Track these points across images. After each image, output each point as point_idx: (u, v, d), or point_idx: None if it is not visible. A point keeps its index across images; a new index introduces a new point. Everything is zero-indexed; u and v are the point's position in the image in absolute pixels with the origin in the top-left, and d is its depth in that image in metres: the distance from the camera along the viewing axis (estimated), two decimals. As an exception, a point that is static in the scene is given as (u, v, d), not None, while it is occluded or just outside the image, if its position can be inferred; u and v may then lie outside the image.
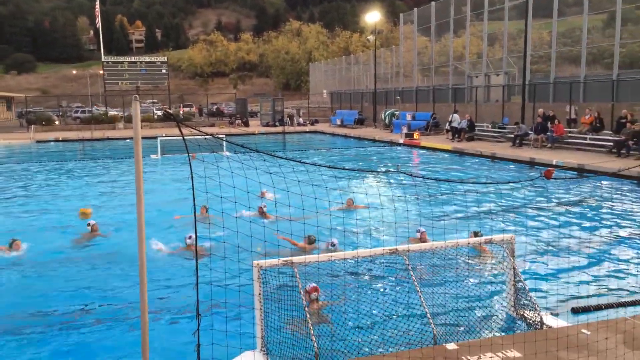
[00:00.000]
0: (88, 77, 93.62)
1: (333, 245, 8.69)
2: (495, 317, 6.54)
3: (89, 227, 10.97)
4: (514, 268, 6.46)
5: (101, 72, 51.39)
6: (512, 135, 24.72)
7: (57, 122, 47.24)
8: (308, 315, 5.55)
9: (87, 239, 10.75)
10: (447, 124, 29.53)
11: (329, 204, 10.64)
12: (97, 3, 50.27)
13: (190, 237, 9.44)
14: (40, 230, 11.63)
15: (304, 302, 5.79)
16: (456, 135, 27.90)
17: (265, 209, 11.61)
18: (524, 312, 6.35)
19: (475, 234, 8.73)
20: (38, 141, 35.96)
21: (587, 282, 7.88)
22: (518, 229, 10.87)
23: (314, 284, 6.36)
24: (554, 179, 14.47)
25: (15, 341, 6.43)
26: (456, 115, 29.00)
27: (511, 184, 12.69)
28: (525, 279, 6.60)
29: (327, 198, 8.07)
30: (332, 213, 11.02)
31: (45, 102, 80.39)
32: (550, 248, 9.62)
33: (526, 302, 6.32)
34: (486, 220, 11.35)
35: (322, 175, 6.09)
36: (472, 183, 8.25)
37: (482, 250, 8.54)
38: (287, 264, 5.72)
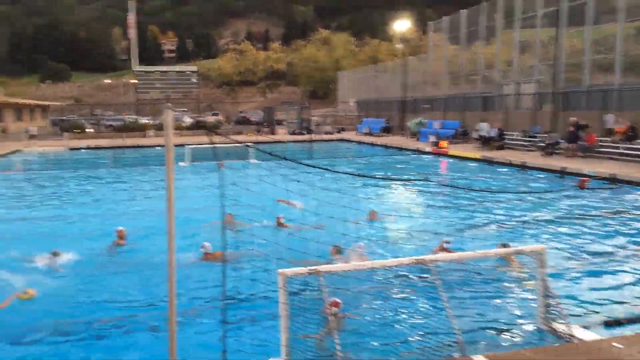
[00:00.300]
0: (121, 86, 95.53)
1: (360, 248, 8.65)
2: (524, 329, 6.42)
3: (117, 234, 11.09)
4: (544, 279, 6.34)
5: (133, 81, 52.38)
6: (543, 144, 24.32)
7: (90, 130, 48.32)
8: (332, 325, 5.53)
9: (115, 246, 10.88)
10: (475, 132, 29.30)
11: (354, 213, 10.62)
12: (131, 14, 51.35)
13: (203, 246, 9.55)
14: (71, 237, 11.85)
15: (327, 314, 5.77)
16: (485, 144, 27.61)
17: (283, 220, 11.52)
18: (554, 325, 6.21)
19: (504, 246, 8.59)
20: (71, 148, 36.77)
21: (620, 295, 7.68)
22: (549, 239, 10.66)
23: (335, 299, 6.24)
24: (588, 189, 14.18)
25: (48, 346, 6.56)
26: (484, 124, 28.71)
27: (543, 194, 12.48)
28: (555, 291, 6.46)
29: (354, 207, 8.06)
30: (355, 223, 11.01)
31: (79, 111, 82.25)
32: (583, 259, 9.41)
33: (556, 314, 6.18)
34: (517, 231, 11.17)
35: (353, 184, 6.07)
36: (504, 192, 8.14)
37: (511, 260, 8.41)
38: (312, 272, 5.71)
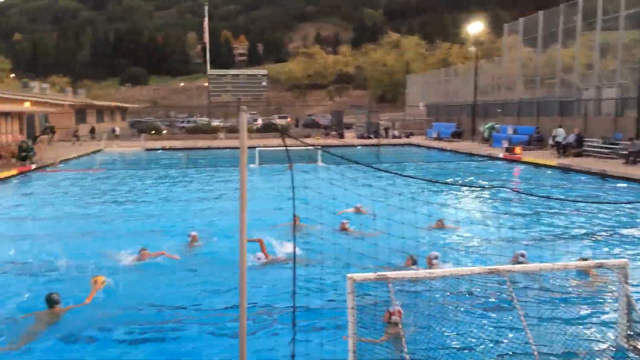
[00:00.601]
0: (194, 89, 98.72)
1: (436, 257, 8.45)
2: (604, 347, 6.06)
3: (190, 238, 11.22)
4: (628, 296, 5.96)
5: (206, 84, 54.01)
6: (625, 152, 23.03)
7: (164, 132, 50.23)
8: (402, 332, 5.42)
9: (190, 247, 11.17)
10: (551, 138, 28.16)
11: (423, 221, 10.42)
12: (206, 19, 53.03)
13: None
14: (146, 236, 12.30)
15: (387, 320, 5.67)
16: (562, 151, 26.51)
17: (347, 225, 11.31)
18: (637, 344, 5.83)
19: (584, 260, 8.15)
20: (147, 149, 38.33)
21: None
22: (634, 253, 10.05)
23: (398, 307, 6.09)
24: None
25: (118, 346, 6.81)
26: (561, 130, 27.53)
27: (625, 204, 11.80)
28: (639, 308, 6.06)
29: (423, 213, 7.90)
30: (428, 229, 10.78)
31: (155, 113, 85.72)
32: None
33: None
34: (598, 243, 10.61)
35: (423, 191, 5.95)
36: (586, 202, 7.71)
37: (592, 274, 7.98)
38: (381, 278, 5.63)
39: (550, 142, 28.33)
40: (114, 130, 51.88)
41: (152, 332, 7.06)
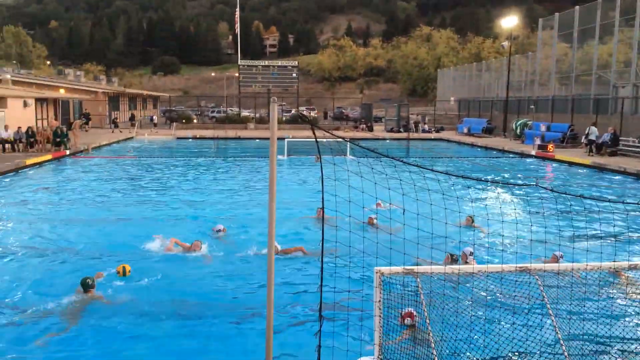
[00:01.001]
0: (225, 79, 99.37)
1: (471, 254, 8.37)
2: (636, 348, 5.92)
3: (220, 234, 11.12)
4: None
5: (237, 74, 54.27)
6: (663, 152, 22.40)
7: (195, 121, 50.75)
8: (430, 327, 5.38)
9: (217, 237, 11.28)
10: (584, 137, 27.59)
11: (453, 217, 10.30)
12: (237, 10, 53.23)
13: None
14: (176, 225, 12.46)
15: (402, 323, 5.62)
16: (594, 150, 25.95)
17: (375, 220, 11.26)
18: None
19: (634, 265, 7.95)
20: (178, 138, 38.79)
21: None
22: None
23: (410, 309, 6.02)
24: None
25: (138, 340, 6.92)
26: (594, 128, 26.92)
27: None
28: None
29: (453, 209, 7.79)
30: (458, 226, 10.66)
31: (186, 102, 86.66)
32: None
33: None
34: (633, 244, 10.35)
35: (452, 185, 5.87)
36: (622, 203, 7.54)
37: (622, 276, 7.81)
38: (409, 272, 5.59)
39: (583, 140, 27.72)
40: (152, 119, 52.60)
41: (172, 323, 7.14)
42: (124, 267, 8.55)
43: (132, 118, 49.96)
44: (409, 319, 6.04)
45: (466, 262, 8.20)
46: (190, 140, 38.02)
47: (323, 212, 5.27)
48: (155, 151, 30.40)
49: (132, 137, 38.06)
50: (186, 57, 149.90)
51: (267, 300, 4.68)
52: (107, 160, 25.44)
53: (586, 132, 27.40)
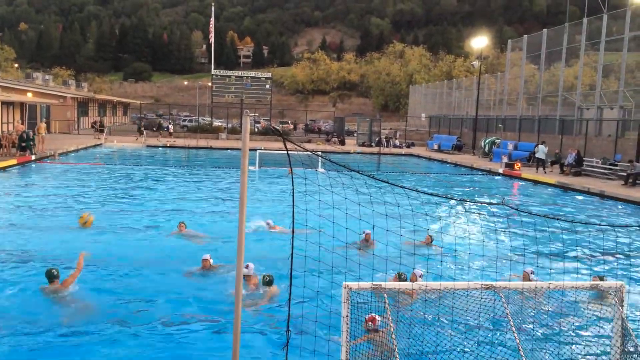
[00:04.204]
0: (197, 88, 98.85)
1: (421, 276, 8.43)
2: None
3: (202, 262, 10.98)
4: (623, 319, 5.96)
5: (210, 84, 54.06)
6: (625, 174, 23.10)
7: (171, 129, 50.17)
8: (395, 343, 5.41)
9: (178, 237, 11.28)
10: (532, 154, 28.71)
11: (417, 235, 10.40)
12: (212, 19, 53.13)
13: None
14: (137, 231, 12.30)
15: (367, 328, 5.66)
16: (541, 167, 27.52)
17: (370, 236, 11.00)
18: (631, 368, 5.82)
19: (600, 279, 8.14)
20: (148, 146, 38.32)
21: None
22: (630, 276, 10.06)
23: (373, 314, 6.10)
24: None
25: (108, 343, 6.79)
26: (542, 146, 27.95)
27: (627, 227, 11.81)
28: (635, 332, 6.06)
29: (420, 227, 7.89)
30: (414, 244, 10.75)
31: (157, 110, 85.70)
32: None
33: (635, 357, 5.79)
34: (595, 264, 10.62)
35: (422, 203, 5.95)
36: (584, 223, 7.72)
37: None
38: (377, 288, 5.63)
39: (529, 157, 28.98)
40: (167, 128, 50.04)
41: (138, 329, 7.03)
42: (88, 216, 8.72)
43: (98, 124, 48.05)
44: (370, 323, 6.12)
45: (420, 277, 8.29)
46: (160, 148, 37.60)
47: (293, 225, 5.28)
48: (123, 159, 29.97)
49: (100, 144, 37.44)
50: (158, 64, 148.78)
51: (235, 311, 4.65)
52: (72, 167, 24.96)
53: (534, 149, 28.39)
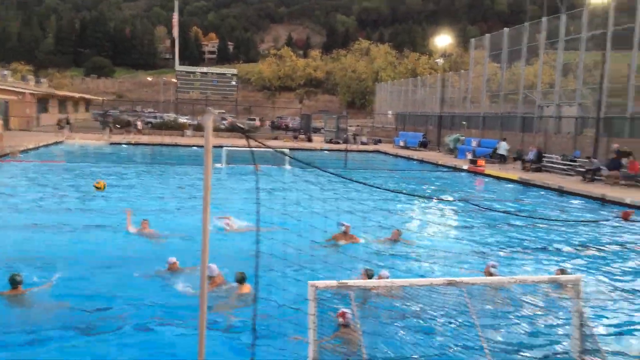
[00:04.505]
0: (162, 85, 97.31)
1: (387, 277, 8.51)
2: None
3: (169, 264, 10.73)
4: (581, 311, 6.16)
5: (174, 80, 53.33)
6: (583, 170, 23.79)
7: (139, 126, 49.26)
8: (362, 339, 5.47)
9: (139, 236, 11.14)
10: (494, 150, 29.47)
11: (384, 231, 10.52)
12: (175, 14, 52.39)
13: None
14: (98, 229, 12.09)
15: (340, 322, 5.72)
16: (502, 163, 28.39)
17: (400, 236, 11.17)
18: (588, 359, 6.02)
19: (562, 272, 8.37)
20: (112, 143, 37.59)
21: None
22: (587, 269, 10.38)
23: (344, 309, 6.18)
24: (632, 221, 13.76)
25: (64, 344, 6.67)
26: (503, 143, 28.69)
27: (583, 222, 12.18)
28: (592, 324, 6.28)
29: (385, 224, 8.00)
30: (382, 241, 10.87)
31: (120, 106, 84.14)
32: (620, 293, 9.13)
33: (592, 348, 5.99)
34: (553, 258, 10.92)
35: (385, 199, 6.02)
36: (543, 219, 7.96)
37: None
38: (343, 286, 5.68)
39: (491, 154, 29.71)
40: (135, 126, 48.66)
41: (102, 330, 6.92)
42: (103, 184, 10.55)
43: (64, 122, 46.78)
44: (341, 318, 6.16)
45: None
46: (124, 146, 36.92)
47: (258, 222, 5.27)
48: (86, 157, 29.32)
49: (61, 141, 36.55)
50: (121, 59, 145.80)
51: (200, 312, 4.62)
52: (33, 165, 24.31)
53: (496, 146, 29.15)
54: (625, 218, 15.45)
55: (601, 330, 6.92)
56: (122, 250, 10.64)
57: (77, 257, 9.89)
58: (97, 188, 11.15)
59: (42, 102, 54.89)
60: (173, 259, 9.23)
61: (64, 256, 9.82)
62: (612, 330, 7.18)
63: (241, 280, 8.07)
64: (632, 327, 7.47)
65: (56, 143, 35.26)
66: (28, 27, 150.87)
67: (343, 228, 10.80)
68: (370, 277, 8.50)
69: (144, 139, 39.90)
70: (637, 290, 9.30)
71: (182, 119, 51.92)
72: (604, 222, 13.87)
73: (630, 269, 10.74)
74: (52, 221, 12.93)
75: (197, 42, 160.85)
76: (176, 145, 37.90)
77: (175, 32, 51.30)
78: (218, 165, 24.79)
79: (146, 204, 15.96)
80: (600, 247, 12.43)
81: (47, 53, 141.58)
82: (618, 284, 9.62)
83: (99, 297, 8.02)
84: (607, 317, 7.87)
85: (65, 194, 17.12)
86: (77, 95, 72.87)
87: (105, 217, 13.58)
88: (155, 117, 56.44)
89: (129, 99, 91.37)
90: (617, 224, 14.70)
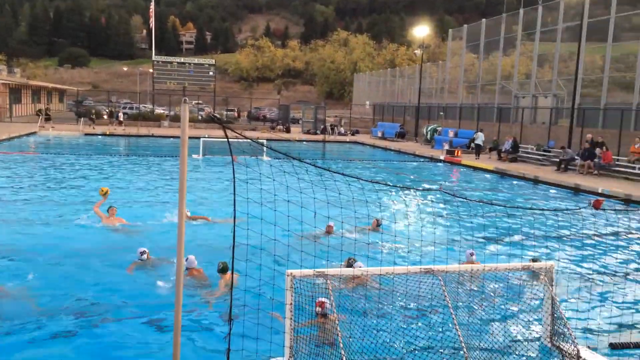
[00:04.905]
0: (138, 75, 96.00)
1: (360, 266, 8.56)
2: (530, 347, 6.36)
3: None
4: (553, 297, 6.29)
5: (151, 70, 52.63)
6: (557, 159, 24.16)
7: (105, 117, 48.60)
8: (338, 329, 5.51)
9: (111, 230, 11.09)
10: (471, 141, 29.81)
11: (362, 221, 10.56)
12: (152, 3, 51.62)
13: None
14: (69, 222, 11.94)
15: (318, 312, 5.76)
16: (479, 154, 28.71)
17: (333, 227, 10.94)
18: (560, 344, 6.16)
19: (534, 261, 8.51)
20: (86, 134, 37.03)
21: (629, 317, 7.60)
22: (559, 257, 10.58)
23: (321, 299, 6.20)
24: (603, 209, 14.03)
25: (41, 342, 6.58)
26: (480, 133, 29.10)
27: (556, 211, 12.40)
28: (564, 310, 6.41)
29: (363, 213, 8.02)
30: (362, 230, 10.93)
31: (96, 97, 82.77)
32: (592, 279, 9.33)
33: (563, 333, 6.13)
34: (527, 246, 11.09)
35: (362, 189, 6.06)
36: (516, 207, 8.10)
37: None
38: (320, 275, 5.70)
39: (470, 144, 30.01)
40: (117, 116, 47.71)
41: (72, 327, 6.83)
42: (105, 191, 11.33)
43: (44, 112, 45.57)
44: (319, 308, 6.18)
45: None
46: (99, 137, 36.40)
47: (235, 213, 5.25)
48: (60, 148, 28.83)
49: (34, 132, 35.88)
50: (96, 49, 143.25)
51: (175, 302, 4.61)
52: (4, 156, 23.83)
53: (473, 136, 29.51)
54: (597, 207, 15.72)
55: (571, 314, 7.06)
56: (95, 241, 10.49)
57: (43, 249, 9.73)
58: (103, 194, 11.85)
59: (15, 93, 53.70)
60: (143, 249, 9.10)
61: (30, 249, 9.67)
62: (583, 317, 7.33)
63: (223, 270, 8.03)
64: (602, 314, 7.64)
65: (29, 134, 34.61)
66: (0, 16, 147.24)
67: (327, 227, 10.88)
68: (350, 266, 8.53)
69: (119, 129, 39.41)
70: (608, 276, 9.51)
71: (159, 110, 51.37)
72: (577, 211, 14.12)
73: (600, 256, 10.97)
74: (17, 213, 12.72)
75: (175, 32, 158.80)
76: (152, 136, 37.49)
77: (152, 21, 50.53)
78: (195, 156, 24.62)
79: (120, 195, 15.77)
80: (572, 236, 12.66)
81: (20, 42, 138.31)
82: (589, 271, 9.82)
83: (66, 289, 7.90)
84: (577, 303, 8.04)
85: (35, 185, 16.84)
86: (50, 85, 71.48)
87: (72, 208, 13.40)
88: (132, 108, 55.74)
89: (104, 89, 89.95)
90: (589, 212, 14.97)
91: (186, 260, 8.49)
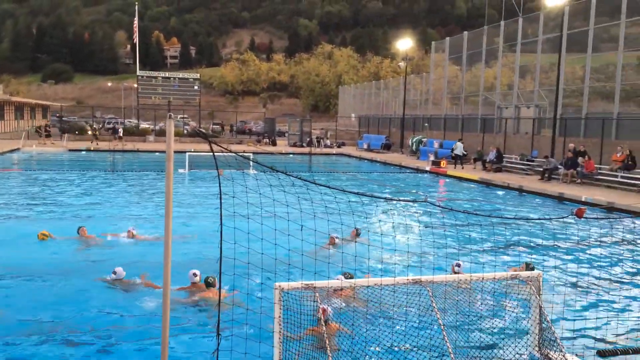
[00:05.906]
0: (122, 90, 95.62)
1: (351, 277, 8.54)
2: (518, 356, 6.38)
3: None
4: (540, 306, 6.32)
5: (135, 85, 52.47)
6: (541, 169, 24.41)
7: (89, 132, 48.28)
8: (327, 341, 5.48)
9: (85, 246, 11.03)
10: (451, 151, 30.17)
11: (347, 231, 10.57)
12: (136, 18, 51.62)
13: (195, 275, 8.52)
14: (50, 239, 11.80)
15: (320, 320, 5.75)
16: (458, 164, 29.23)
17: (337, 240, 11.09)
18: (548, 353, 6.18)
19: (527, 267, 8.56)
20: (70, 150, 36.72)
21: (615, 325, 7.65)
22: (546, 266, 10.65)
23: (324, 306, 6.16)
24: (585, 218, 14.16)
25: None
26: (459, 143, 29.49)
27: (541, 220, 12.50)
28: (551, 318, 6.44)
29: (348, 224, 8.04)
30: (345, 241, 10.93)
31: (80, 112, 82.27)
32: (578, 288, 9.40)
33: (551, 342, 6.16)
34: (513, 256, 11.16)
35: (350, 201, 6.06)
36: (502, 218, 8.15)
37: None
38: (309, 287, 5.68)
39: (451, 155, 30.42)
40: (116, 131, 47.44)
41: (63, 340, 6.74)
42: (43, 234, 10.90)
43: (44, 129, 44.94)
44: (321, 314, 6.15)
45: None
46: (83, 152, 36.11)
47: (222, 227, 5.24)
48: (44, 164, 28.54)
49: (18, 149, 35.52)
50: (80, 65, 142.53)
51: (162, 317, 4.57)
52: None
53: (453, 147, 29.90)
54: (579, 215, 15.88)
55: (559, 323, 7.09)
56: (74, 260, 10.36)
57: (19, 266, 9.60)
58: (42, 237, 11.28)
59: (-3, 109, 53.17)
60: (119, 269, 8.86)
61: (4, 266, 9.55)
62: (569, 325, 7.38)
63: (211, 284, 7.98)
64: (589, 321, 7.69)
65: (12, 151, 34.25)
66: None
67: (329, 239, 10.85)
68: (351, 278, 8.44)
69: (104, 145, 39.15)
70: (594, 284, 9.59)
71: (144, 125, 51.16)
72: (561, 220, 14.25)
73: (585, 264, 11.06)
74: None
75: (159, 47, 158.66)
76: (137, 151, 37.29)
77: (136, 37, 50.49)
78: (181, 170, 24.52)
79: (105, 211, 15.64)
80: (557, 244, 12.76)
81: (2, 59, 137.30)
82: (575, 279, 9.89)
83: (42, 306, 7.78)
84: (565, 311, 8.09)
85: (15, 202, 16.65)
86: (33, 101, 70.92)
87: (64, 225, 13.25)
88: (116, 123, 55.46)
89: (88, 105, 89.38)
90: (572, 221, 15.13)
91: (114, 273, 8.65)
